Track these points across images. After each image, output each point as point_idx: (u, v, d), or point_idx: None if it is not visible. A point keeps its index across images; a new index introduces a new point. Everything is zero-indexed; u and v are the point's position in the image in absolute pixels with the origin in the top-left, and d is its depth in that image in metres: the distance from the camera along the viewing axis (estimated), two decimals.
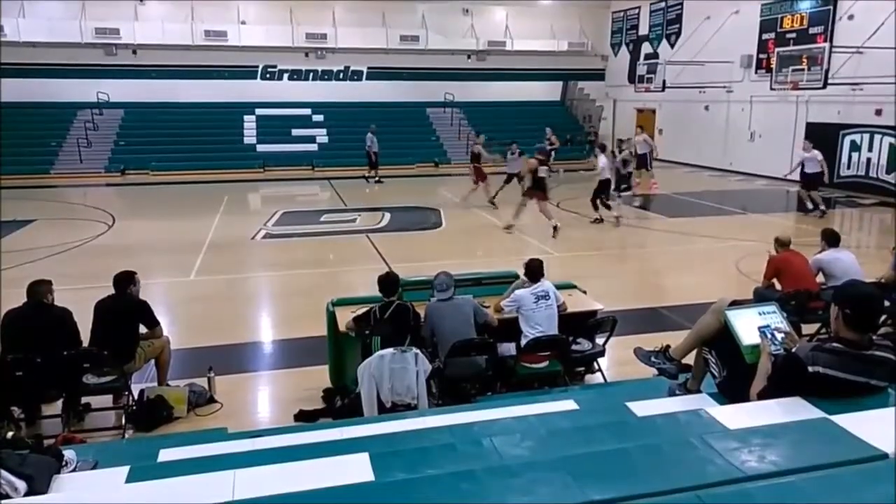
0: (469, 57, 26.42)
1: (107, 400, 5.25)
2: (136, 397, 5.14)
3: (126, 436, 4.91)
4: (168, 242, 11.76)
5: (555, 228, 11.67)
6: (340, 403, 5.24)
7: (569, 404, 3.77)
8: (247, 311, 8.27)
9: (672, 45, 23.53)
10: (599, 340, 5.70)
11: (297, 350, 6.68)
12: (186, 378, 5.62)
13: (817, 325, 6.19)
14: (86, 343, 4.98)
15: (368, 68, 25.77)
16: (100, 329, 5.02)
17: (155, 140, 22.17)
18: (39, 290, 4.97)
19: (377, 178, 19.08)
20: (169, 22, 23.30)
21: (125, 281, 5.18)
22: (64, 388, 4.89)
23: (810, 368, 2.82)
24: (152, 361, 5.38)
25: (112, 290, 5.21)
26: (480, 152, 15.14)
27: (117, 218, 13.63)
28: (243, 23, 24.06)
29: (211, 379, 5.50)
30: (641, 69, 23.60)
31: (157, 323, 5.34)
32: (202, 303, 8.42)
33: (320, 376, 5.75)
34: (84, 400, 5.18)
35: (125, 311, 5.13)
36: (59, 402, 4.99)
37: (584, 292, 6.26)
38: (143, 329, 5.30)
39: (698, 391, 3.71)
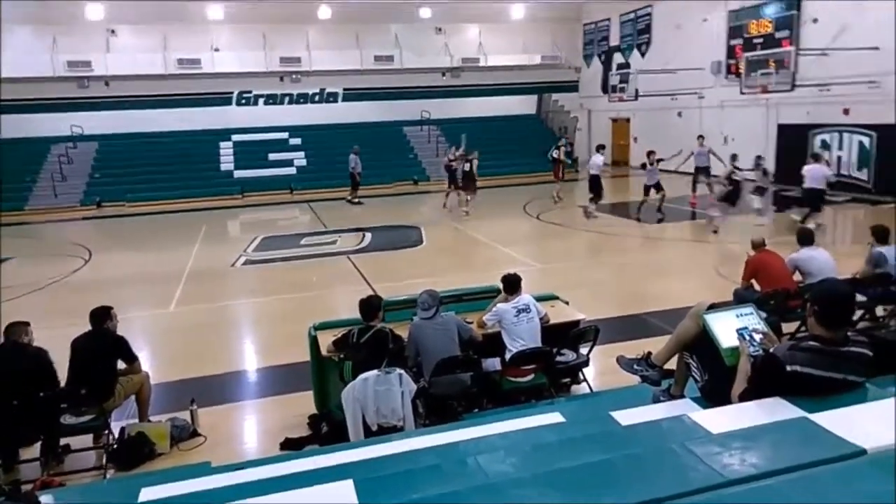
0: (444, 74, 26.65)
1: (87, 440, 5.15)
2: (116, 435, 5.04)
3: (107, 476, 4.81)
4: (147, 274, 11.62)
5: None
6: (326, 429, 5.18)
7: (554, 417, 3.75)
8: (229, 340, 8.17)
9: (643, 55, 23.90)
10: (583, 350, 5.71)
11: (282, 377, 6.60)
12: (168, 412, 5.52)
13: (797, 324, 6.24)
14: (63, 382, 4.89)
15: (344, 89, 25.89)
16: (77, 367, 4.93)
17: (131, 171, 22.05)
18: (15, 330, 4.88)
19: (358, 200, 19.06)
20: (141, 52, 23.30)
21: (101, 316, 5.10)
22: (42, 431, 4.78)
23: (788, 368, 2.84)
24: (132, 397, 5.29)
25: (89, 327, 5.13)
26: (560, 156, 17.84)
27: (94, 252, 13.46)
28: (216, 50, 24.11)
29: (193, 412, 5.41)
30: (614, 79, 23.92)
31: (136, 358, 5.24)
32: (183, 334, 8.32)
33: (306, 402, 5.68)
34: (63, 441, 5.05)
35: (102, 347, 5.04)
36: (38, 445, 4.88)
37: (567, 303, 6.27)
38: (121, 365, 5.21)
39: (682, 396, 3.72)
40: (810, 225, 11.59)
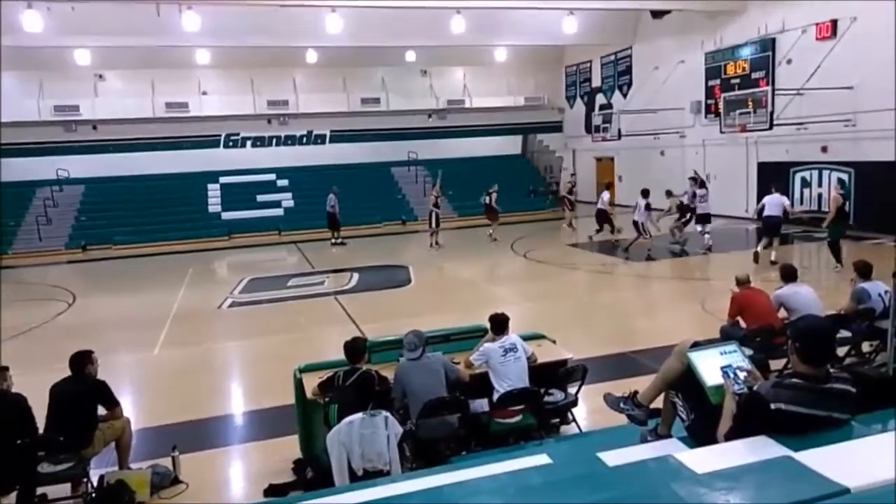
0: (430, 116, 27.04)
1: (64, 489, 5.00)
2: (95, 484, 4.91)
3: None
4: (131, 317, 11.51)
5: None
6: (311, 474, 5.09)
7: (542, 459, 3.70)
8: (213, 383, 8.05)
9: (625, 95, 24.40)
10: (572, 390, 5.67)
11: (267, 421, 6.50)
12: (150, 459, 5.40)
13: (784, 360, 6.25)
14: (41, 429, 4.77)
15: (331, 131, 26.18)
16: (56, 413, 4.83)
17: (117, 214, 22.04)
18: None
19: (341, 241, 19.04)
20: (129, 96, 23.50)
21: (81, 361, 5.01)
22: (18, 480, 4.65)
23: (773, 405, 2.83)
24: (112, 444, 5.17)
25: (69, 372, 5.04)
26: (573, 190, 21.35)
27: (78, 296, 13.33)
28: (204, 93, 24.37)
29: (175, 458, 5.29)
30: (597, 119, 24.39)
31: (117, 403, 5.15)
32: (166, 378, 8.19)
33: (291, 447, 5.59)
34: (40, 490, 4.91)
35: (83, 392, 4.95)
36: (13, 495, 4.73)
37: (554, 342, 6.26)
38: (102, 410, 5.11)
39: (669, 435, 3.68)
40: (772, 254, 11.92)
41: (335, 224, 19.07)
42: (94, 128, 23.44)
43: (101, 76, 23.58)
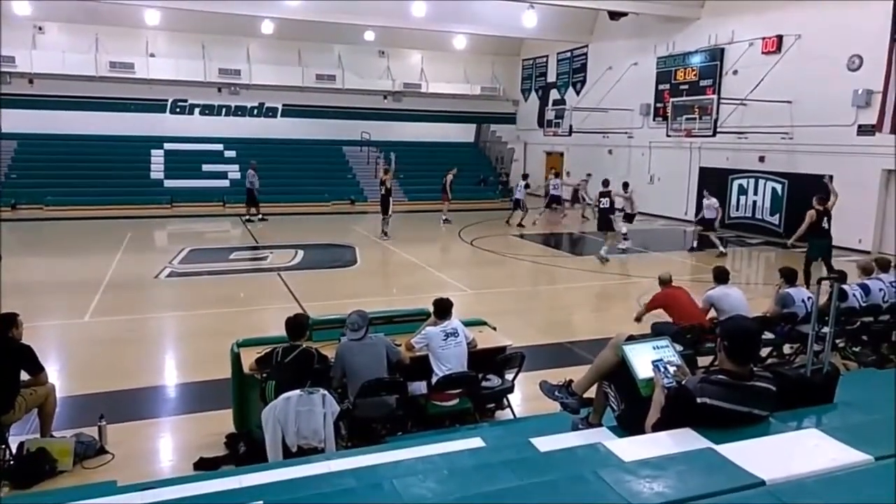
0: (385, 97, 26.76)
1: None
2: (14, 451, 4.72)
3: (1, 494, 4.50)
4: (62, 282, 11.06)
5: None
6: (244, 449, 5.03)
7: (475, 442, 3.78)
8: (146, 353, 7.81)
9: (578, 93, 24.75)
10: (509, 376, 5.78)
11: (201, 394, 6.38)
12: (75, 428, 5.22)
13: (712, 357, 6.52)
14: None
15: (284, 105, 25.60)
16: None
17: (52, 173, 21.03)
18: None
19: (261, 217, 18.54)
20: (71, 52, 22.35)
21: (5, 324, 4.81)
22: None
23: (698, 400, 2.97)
24: (35, 411, 4.97)
25: None
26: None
27: (4, 255, 12.63)
28: (152, 55, 23.43)
29: (102, 428, 5.14)
30: (550, 114, 24.61)
31: (42, 369, 4.95)
32: (97, 346, 7.91)
33: (224, 421, 5.51)
34: None
35: (5, 356, 4.74)
36: None
37: (494, 329, 6.35)
38: (25, 376, 4.91)
39: (599, 425, 3.80)
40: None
41: (253, 200, 18.51)
42: (31, 82, 22.22)
43: (40, 28, 22.35)
